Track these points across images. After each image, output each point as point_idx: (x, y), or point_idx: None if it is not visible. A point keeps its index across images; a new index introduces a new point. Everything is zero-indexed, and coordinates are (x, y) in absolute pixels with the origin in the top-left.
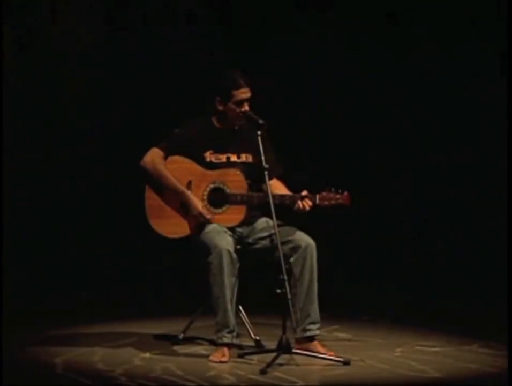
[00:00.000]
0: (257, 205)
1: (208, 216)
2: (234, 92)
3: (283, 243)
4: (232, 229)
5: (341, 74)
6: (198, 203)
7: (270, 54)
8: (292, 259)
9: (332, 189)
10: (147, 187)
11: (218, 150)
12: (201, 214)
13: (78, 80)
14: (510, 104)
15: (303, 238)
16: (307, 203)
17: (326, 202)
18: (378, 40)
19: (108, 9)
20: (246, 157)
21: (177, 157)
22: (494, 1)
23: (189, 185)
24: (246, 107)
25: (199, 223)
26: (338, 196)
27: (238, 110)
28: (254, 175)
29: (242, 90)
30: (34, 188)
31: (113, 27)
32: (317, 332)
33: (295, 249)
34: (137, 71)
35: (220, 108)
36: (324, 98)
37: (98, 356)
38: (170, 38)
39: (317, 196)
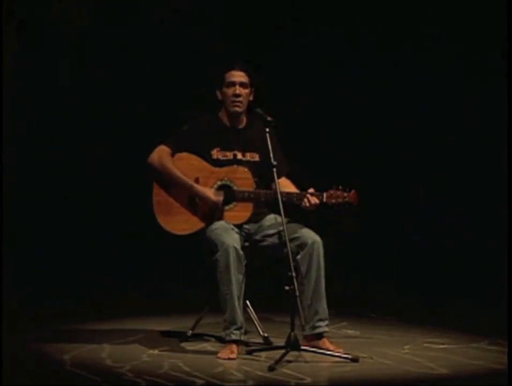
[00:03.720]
0: (264, 202)
1: (221, 199)
2: (226, 75)
3: (289, 240)
4: (239, 226)
5: (347, 73)
6: (210, 193)
7: (275, 53)
8: (298, 257)
9: (340, 187)
10: (154, 184)
11: (225, 148)
12: (214, 203)
13: (82, 75)
14: (511, 105)
15: (309, 235)
16: (314, 201)
17: (333, 200)
18: (384, 40)
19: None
20: (251, 156)
21: (184, 154)
22: (494, 2)
23: (196, 181)
24: (237, 90)
25: (209, 216)
26: (345, 194)
27: (230, 93)
28: (260, 174)
29: (233, 72)
30: (34, 186)
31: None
32: (326, 329)
33: (302, 246)
34: (142, 68)
35: (220, 97)
36: (331, 97)
37: (106, 353)
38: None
39: (325, 194)
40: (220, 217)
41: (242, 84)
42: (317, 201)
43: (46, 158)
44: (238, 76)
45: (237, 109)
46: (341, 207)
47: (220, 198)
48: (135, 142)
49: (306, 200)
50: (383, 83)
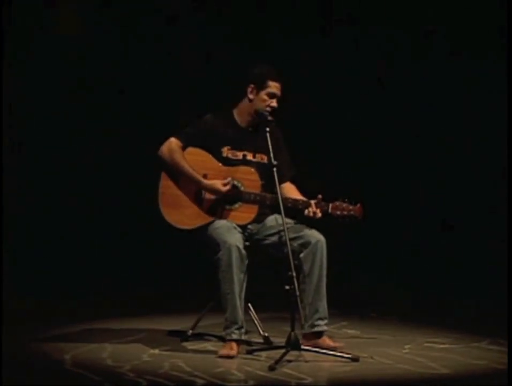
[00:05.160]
0: (269, 205)
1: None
2: (270, 83)
3: (292, 239)
4: (242, 226)
5: (347, 73)
6: (218, 184)
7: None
8: (301, 255)
9: (346, 200)
10: (162, 175)
11: (235, 147)
12: (227, 192)
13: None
14: (511, 105)
15: (313, 234)
16: (319, 210)
17: (338, 212)
18: (384, 40)
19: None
20: (261, 158)
21: (194, 149)
22: (495, 3)
23: (204, 178)
24: (275, 103)
25: (215, 210)
26: (350, 207)
27: (267, 102)
28: (268, 176)
29: (277, 84)
30: (34, 186)
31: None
32: (325, 327)
33: (305, 244)
34: (142, 67)
35: (251, 96)
36: (331, 97)
37: (107, 352)
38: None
39: (330, 205)
40: (224, 216)
41: (278, 99)
42: (319, 214)
43: (46, 158)
44: (280, 90)
45: (259, 119)
46: (346, 219)
47: (229, 186)
48: (135, 142)
49: (310, 209)
50: (383, 83)
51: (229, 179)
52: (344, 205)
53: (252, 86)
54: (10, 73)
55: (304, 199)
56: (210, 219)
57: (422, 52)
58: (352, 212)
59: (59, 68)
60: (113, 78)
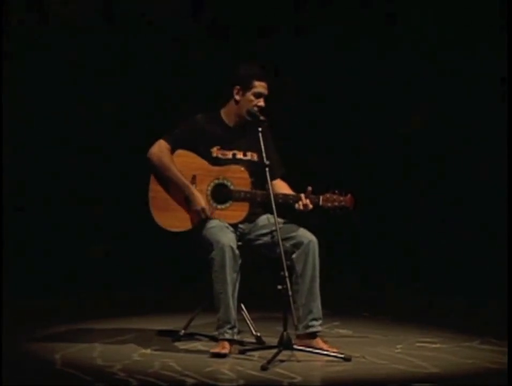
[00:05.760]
0: (260, 203)
1: (209, 213)
2: (256, 83)
3: (285, 240)
4: (234, 226)
5: (345, 73)
6: (201, 199)
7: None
8: (294, 256)
9: (336, 191)
10: (152, 178)
11: (225, 147)
12: (203, 210)
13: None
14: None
15: (305, 234)
16: (310, 203)
17: (329, 204)
18: (384, 40)
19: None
20: (251, 156)
21: (183, 151)
22: (495, 3)
23: (193, 179)
24: (262, 102)
25: (200, 219)
26: (341, 198)
27: (254, 102)
28: (259, 174)
29: (263, 83)
30: (34, 186)
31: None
32: (320, 328)
33: (297, 245)
34: (142, 67)
35: (237, 97)
36: (330, 96)
37: (97, 352)
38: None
39: (321, 197)
40: (215, 216)
41: (265, 98)
42: (311, 206)
43: (46, 158)
44: (267, 88)
45: (250, 118)
46: (337, 211)
47: (210, 211)
48: (135, 142)
49: (300, 203)
50: (383, 83)
51: (214, 210)
52: (335, 196)
53: (238, 87)
54: (11, 73)
55: (294, 193)
56: (201, 220)
57: (423, 51)
58: (343, 203)
59: (59, 68)
60: (113, 77)
